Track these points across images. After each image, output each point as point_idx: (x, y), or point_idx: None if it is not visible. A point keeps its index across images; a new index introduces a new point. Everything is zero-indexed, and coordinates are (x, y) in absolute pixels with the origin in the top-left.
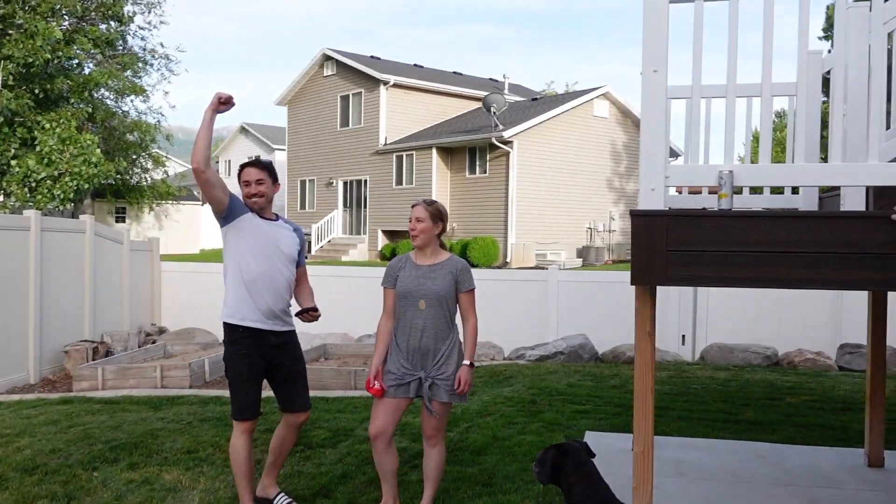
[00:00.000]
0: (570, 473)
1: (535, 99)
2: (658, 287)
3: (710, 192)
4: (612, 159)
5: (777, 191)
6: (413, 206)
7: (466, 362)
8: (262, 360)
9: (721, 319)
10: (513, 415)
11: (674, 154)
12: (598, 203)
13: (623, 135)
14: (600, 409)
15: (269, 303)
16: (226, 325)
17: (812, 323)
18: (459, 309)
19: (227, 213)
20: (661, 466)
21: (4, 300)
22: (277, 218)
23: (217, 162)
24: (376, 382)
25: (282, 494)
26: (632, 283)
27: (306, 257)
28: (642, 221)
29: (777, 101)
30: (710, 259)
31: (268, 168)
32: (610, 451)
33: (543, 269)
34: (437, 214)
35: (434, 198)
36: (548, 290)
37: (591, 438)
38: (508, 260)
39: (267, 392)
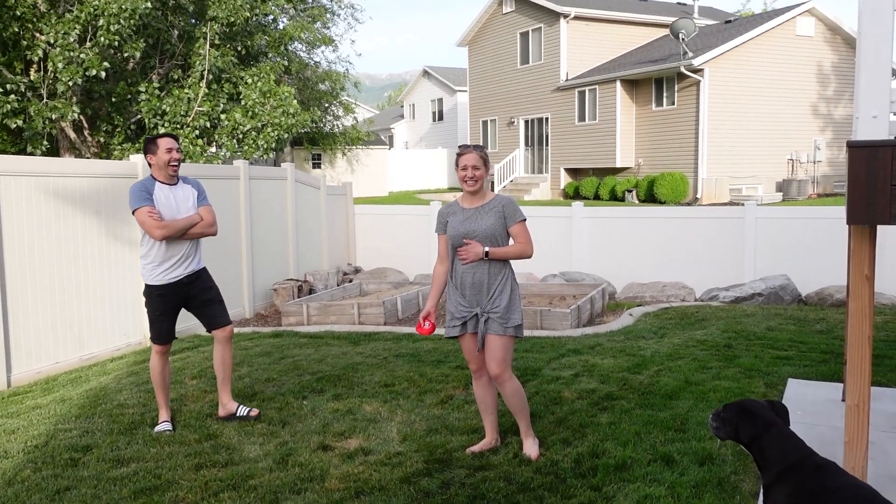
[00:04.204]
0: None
1: (729, 21)
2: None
3: None
4: (819, 82)
5: None
6: (463, 154)
7: (486, 248)
8: (175, 298)
9: None
10: (706, 359)
11: None
12: (801, 132)
13: (831, 54)
14: (804, 355)
15: (176, 255)
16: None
17: None
18: (514, 241)
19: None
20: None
21: (222, 244)
22: (178, 180)
23: (401, 106)
24: (426, 323)
25: (241, 406)
26: (848, 223)
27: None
28: (862, 153)
29: None
30: None
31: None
32: (815, 402)
33: (739, 205)
34: (487, 159)
35: (618, 133)
36: (744, 228)
37: (794, 387)
38: (699, 196)
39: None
